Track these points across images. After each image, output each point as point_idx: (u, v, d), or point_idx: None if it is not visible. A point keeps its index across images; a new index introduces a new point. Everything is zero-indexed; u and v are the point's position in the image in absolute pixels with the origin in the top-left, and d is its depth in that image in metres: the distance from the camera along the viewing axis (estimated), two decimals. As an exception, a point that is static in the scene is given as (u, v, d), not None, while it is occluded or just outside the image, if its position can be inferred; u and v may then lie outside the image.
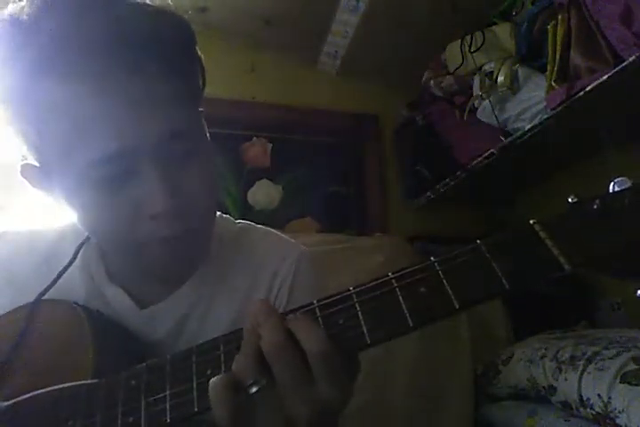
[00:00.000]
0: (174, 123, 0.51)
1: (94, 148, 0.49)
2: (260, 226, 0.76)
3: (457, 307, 0.41)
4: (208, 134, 0.62)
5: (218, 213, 0.74)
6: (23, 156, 0.56)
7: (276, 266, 0.69)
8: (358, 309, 0.43)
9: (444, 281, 0.42)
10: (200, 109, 0.60)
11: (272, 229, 0.76)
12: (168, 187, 0.51)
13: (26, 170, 0.58)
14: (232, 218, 0.76)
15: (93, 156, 0.49)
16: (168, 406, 0.45)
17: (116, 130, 0.49)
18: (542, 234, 0.42)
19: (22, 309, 0.59)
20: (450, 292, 0.41)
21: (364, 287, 0.44)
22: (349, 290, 0.44)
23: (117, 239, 0.57)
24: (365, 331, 0.42)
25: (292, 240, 0.75)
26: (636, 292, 0.40)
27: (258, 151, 1.85)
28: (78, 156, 0.50)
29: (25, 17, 0.48)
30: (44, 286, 0.60)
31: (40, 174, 0.56)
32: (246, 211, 1.79)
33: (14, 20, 0.49)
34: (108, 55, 0.48)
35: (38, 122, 0.50)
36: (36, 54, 0.47)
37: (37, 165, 0.56)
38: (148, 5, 0.53)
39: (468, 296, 0.41)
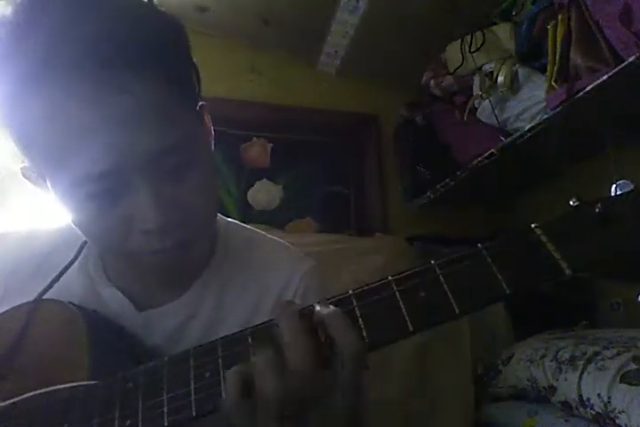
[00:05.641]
0: (166, 139, 0.50)
1: (84, 165, 0.48)
2: (269, 236, 0.75)
3: (457, 312, 0.41)
4: (212, 131, 0.62)
5: (227, 218, 0.73)
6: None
7: (285, 280, 0.67)
8: (358, 313, 0.43)
9: (445, 286, 0.42)
10: (200, 104, 0.59)
11: (281, 240, 0.75)
12: (159, 203, 0.50)
13: (25, 171, 0.58)
14: (240, 224, 0.75)
15: (83, 173, 0.49)
16: (166, 410, 0.44)
17: (105, 149, 0.48)
18: (543, 238, 0.42)
19: (19, 308, 0.58)
20: (450, 296, 0.41)
21: (363, 290, 0.44)
22: (348, 293, 0.44)
23: (110, 248, 0.57)
24: (365, 335, 0.42)
25: (302, 253, 0.73)
26: (636, 296, 0.40)
27: (258, 151, 1.85)
28: (68, 172, 0.49)
29: (11, 27, 0.47)
30: (42, 286, 0.59)
31: (38, 178, 0.56)
32: (246, 211, 1.79)
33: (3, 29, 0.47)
34: (97, 73, 0.46)
35: (27, 137, 0.50)
36: (22, 70, 0.47)
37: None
38: (137, 11, 0.51)
39: (468, 301, 0.41)
